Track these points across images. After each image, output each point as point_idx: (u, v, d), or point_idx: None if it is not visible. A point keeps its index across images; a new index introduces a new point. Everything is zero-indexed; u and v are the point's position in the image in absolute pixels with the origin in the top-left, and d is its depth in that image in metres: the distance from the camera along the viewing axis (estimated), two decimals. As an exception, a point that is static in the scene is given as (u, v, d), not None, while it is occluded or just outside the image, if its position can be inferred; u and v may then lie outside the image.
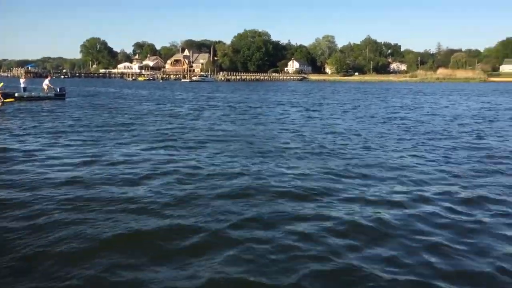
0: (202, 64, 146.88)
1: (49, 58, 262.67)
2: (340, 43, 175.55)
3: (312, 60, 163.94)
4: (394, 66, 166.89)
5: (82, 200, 6.64)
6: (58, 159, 9.71)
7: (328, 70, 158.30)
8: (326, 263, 4.63)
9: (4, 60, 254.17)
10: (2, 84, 20.79)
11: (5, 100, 18.17)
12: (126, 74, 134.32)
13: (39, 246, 4.95)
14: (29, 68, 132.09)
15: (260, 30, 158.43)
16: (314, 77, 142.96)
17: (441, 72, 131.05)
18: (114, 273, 4.38)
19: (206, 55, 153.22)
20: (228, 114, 21.37)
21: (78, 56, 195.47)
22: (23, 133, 13.81)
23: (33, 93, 28.96)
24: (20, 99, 26.89)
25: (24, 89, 29.85)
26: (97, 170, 8.63)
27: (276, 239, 5.24)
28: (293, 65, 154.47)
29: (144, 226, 5.61)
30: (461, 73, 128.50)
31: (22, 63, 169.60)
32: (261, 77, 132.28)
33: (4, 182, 7.62)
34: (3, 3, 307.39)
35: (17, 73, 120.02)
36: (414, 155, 10.68)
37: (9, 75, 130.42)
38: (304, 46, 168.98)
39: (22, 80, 31.32)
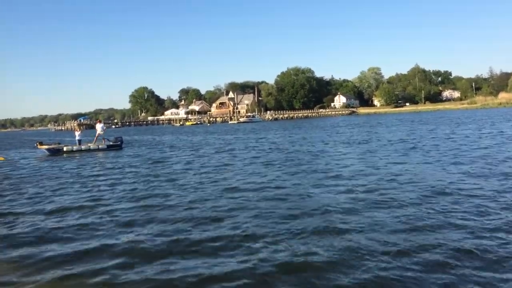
0: (247, 104, 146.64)
1: (101, 110, 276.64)
2: (387, 74, 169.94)
3: (359, 93, 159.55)
4: (446, 93, 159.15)
5: None
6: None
7: (376, 102, 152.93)
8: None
9: (60, 114, 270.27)
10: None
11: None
12: (173, 120, 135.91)
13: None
14: (82, 120, 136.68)
15: (303, 67, 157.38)
16: (363, 110, 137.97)
17: (504, 96, 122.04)
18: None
19: (251, 95, 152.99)
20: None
21: (128, 105, 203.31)
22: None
23: (82, 146, 27.70)
24: (69, 152, 26.56)
25: (79, 141, 28.75)
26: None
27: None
28: (339, 100, 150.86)
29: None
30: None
31: (76, 116, 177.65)
32: (309, 114, 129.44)
33: None
34: (57, 66, 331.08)
35: (70, 126, 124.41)
36: None
37: (63, 128, 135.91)
38: (349, 80, 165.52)
39: (77, 133, 30.20)
